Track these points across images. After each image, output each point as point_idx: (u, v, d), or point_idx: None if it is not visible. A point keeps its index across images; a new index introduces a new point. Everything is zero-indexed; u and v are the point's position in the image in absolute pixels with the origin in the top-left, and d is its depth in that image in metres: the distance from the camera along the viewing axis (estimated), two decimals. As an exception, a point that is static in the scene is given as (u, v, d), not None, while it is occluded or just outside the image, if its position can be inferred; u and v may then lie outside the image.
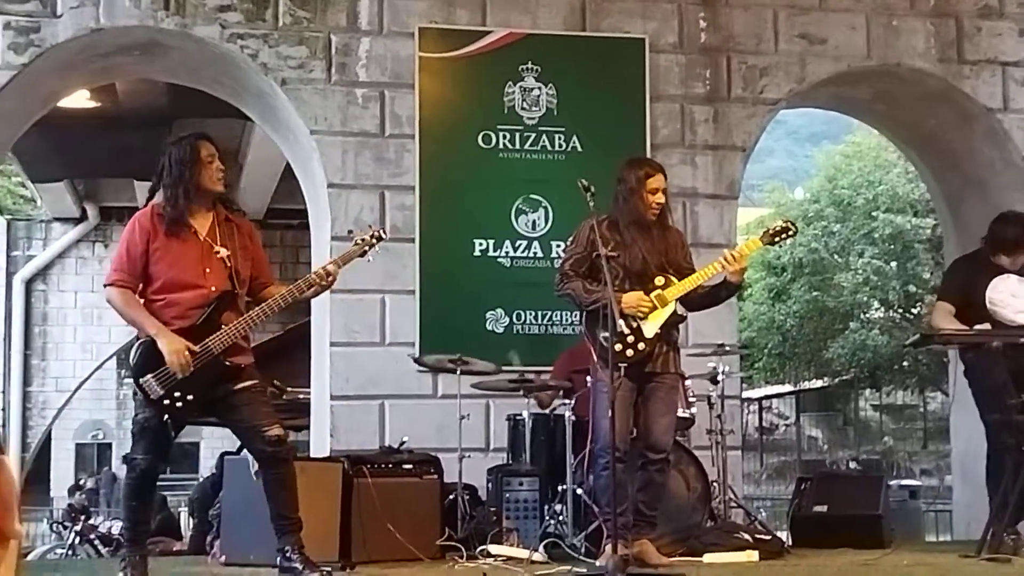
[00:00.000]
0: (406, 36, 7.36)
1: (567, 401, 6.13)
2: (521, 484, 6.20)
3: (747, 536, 5.89)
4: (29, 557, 10.86)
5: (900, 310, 23.39)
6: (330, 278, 4.99)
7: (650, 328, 5.37)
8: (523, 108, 7.43)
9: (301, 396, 8.54)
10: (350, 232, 5.33)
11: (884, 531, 6.36)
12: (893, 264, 22.55)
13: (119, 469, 19.08)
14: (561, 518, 5.93)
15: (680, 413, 5.86)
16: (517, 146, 7.41)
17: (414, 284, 7.21)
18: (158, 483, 5.08)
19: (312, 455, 6.95)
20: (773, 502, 18.78)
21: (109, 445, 23.98)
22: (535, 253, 7.35)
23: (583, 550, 5.62)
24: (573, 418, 6.00)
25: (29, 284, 16.84)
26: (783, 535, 6.57)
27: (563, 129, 7.44)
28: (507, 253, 7.34)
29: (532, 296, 7.20)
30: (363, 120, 7.29)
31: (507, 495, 6.16)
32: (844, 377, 24.91)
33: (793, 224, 5.74)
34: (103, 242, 16.68)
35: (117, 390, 22.43)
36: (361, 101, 7.30)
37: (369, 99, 7.30)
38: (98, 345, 16.90)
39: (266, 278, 5.09)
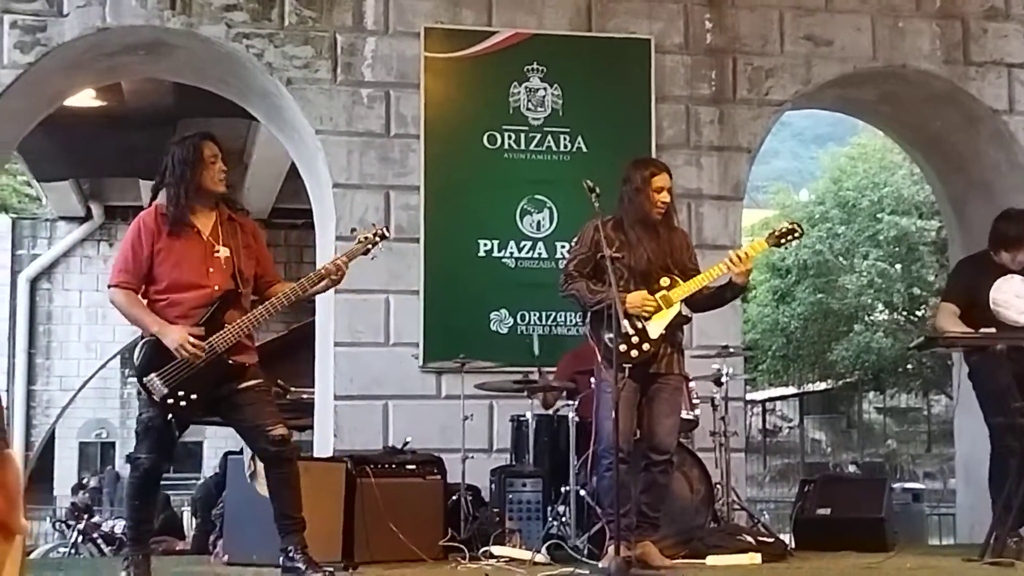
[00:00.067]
0: (412, 36, 7.36)
1: (571, 402, 6.12)
2: (524, 485, 6.19)
3: (750, 538, 5.88)
4: (32, 555, 10.87)
5: (904, 312, 23.38)
6: (339, 272, 4.99)
7: (655, 329, 5.36)
8: (528, 108, 7.43)
9: (305, 396, 8.55)
10: (354, 230, 5.33)
11: (887, 534, 6.35)
12: (898, 266, 22.55)
13: (122, 468, 19.12)
14: (564, 519, 5.92)
15: (684, 415, 5.85)
16: (522, 146, 7.40)
17: (418, 284, 7.21)
18: (161, 482, 5.08)
19: (315, 455, 6.95)
20: (776, 504, 18.75)
21: (112, 444, 24.03)
22: (540, 254, 7.35)
23: (586, 552, 5.61)
24: (576, 419, 5.99)
25: (34, 283, 16.88)
26: (786, 538, 6.55)
27: (568, 130, 7.44)
28: (512, 254, 7.33)
29: (536, 297, 7.19)
30: (368, 120, 7.29)
31: (510, 496, 6.15)
32: (848, 380, 24.90)
33: (799, 226, 5.73)
34: (108, 241, 16.72)
35: (121, 389, 22.47)
36: (366, 101, 7.30)
37: (374, 99, 7.31)
38: (102, 344, 16.94)
39: (272, 276, 5.09)
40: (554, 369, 6.73)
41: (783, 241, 5.65)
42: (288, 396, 8.84)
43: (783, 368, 25.28)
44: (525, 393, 6.37)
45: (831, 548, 6.16)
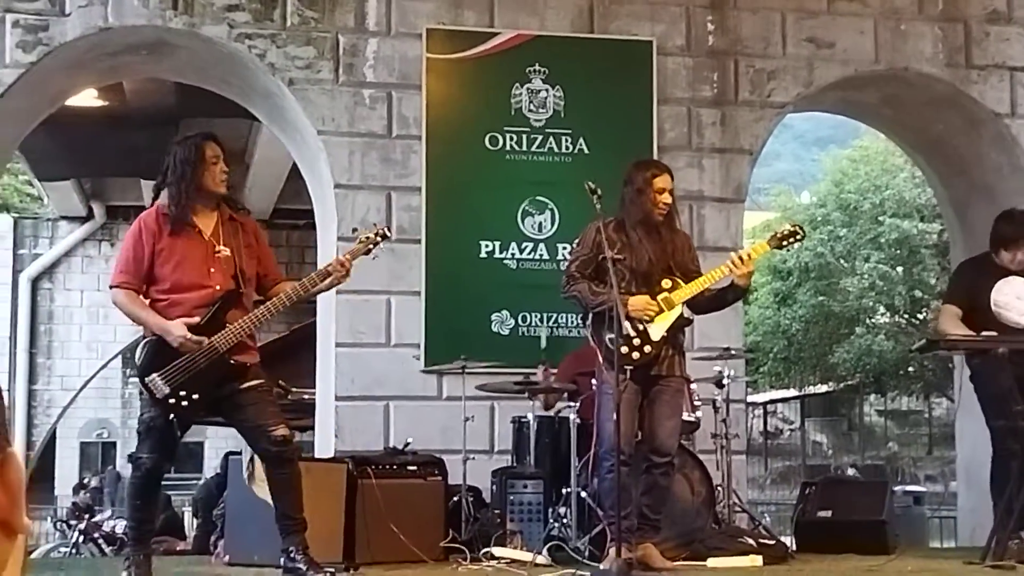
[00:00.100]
0: (414, 37, 7.36)
1: (572, 403, 6.12)
2: (525, 486, 6.19)
3: (751, 541, 5.88)
4: (33, 555, 10.86)
5: (906, 315, 23.36)
6: (345, 269, 4.98)
7: (656, 331, 5.36)
8: (530, 110, 7.43)
9: (306, 396, 8.55)
10: (355, 230, 5.34)
11: (888, 537, 6.35)
12: (899, 269, 22.53)
13: (123, 468, 19.12)
14: (565, 521, 5.92)
15: (685, 417, 5.85)
16: (524, 148, 7.40)
17: (420, 285, 7.21)
18: (162, 482, 5.09)
19: (317, 456, 6.95)
20: (777, 507, 18.74)
21: (114, 444, 24.04)
22: (541, 255, 7.34)
23: (587, 553, 5.61)
24: (578, 421, 5.99)
25: (35, 283, 16.88)
26: (787, 540, 6.55)
27: (570, 131, 7.44)
28: (513, 255, 7.33)
29: (538, 298, 7.19)
30: (370, 121, 7.29)
31: (511, 497, 6.15)
32: (849, 382, 24.90)
33: (801, 228, 5.73)
34: (109, 241, 16.71)
35: (122, 389, 22.49)
36: (368, 102, 7.30)
37: (376, 100, 7.31)
38: (104, 344, 16.93)
39: (275, 275, 5.10)
40: (555, 371, 6.74)
41: (785, 243, 5.66)
42: (289, 396, 8.85)
43: (784, 370, 25.27)
44: (526, 394, 6.36)
45: (832, 550, 6.16)
